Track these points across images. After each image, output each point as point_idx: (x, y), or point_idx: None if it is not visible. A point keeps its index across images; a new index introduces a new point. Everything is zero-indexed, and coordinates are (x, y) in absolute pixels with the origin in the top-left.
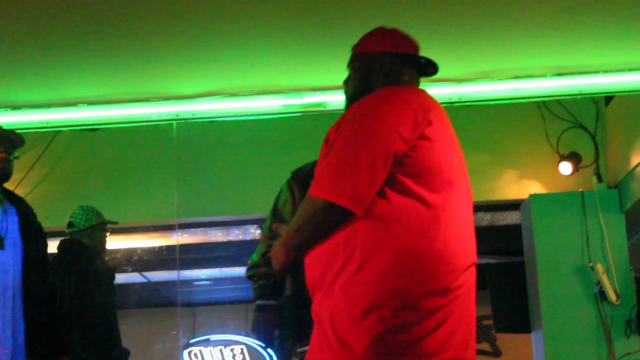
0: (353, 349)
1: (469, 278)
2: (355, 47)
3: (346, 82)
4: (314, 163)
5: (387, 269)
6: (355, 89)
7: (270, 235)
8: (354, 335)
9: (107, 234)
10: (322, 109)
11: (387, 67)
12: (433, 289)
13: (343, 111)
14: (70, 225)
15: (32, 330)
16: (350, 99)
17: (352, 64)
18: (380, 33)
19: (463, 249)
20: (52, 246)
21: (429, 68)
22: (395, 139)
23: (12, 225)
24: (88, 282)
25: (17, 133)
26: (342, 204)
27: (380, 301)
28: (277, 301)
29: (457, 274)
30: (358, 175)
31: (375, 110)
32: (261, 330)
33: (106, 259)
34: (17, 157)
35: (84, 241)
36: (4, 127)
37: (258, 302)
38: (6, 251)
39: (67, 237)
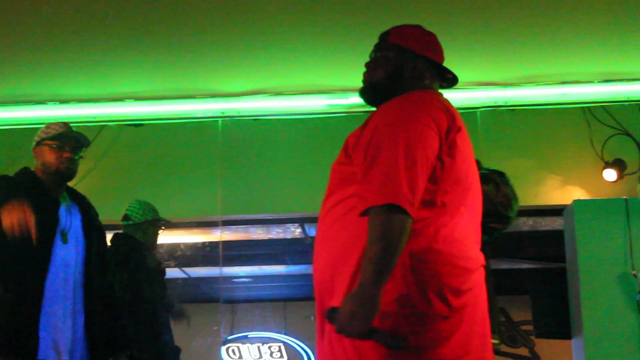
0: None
1: (479, 280)
2: (391, 35)
3: (371, 65)
4: None
5: (402, 275)
6: (381, 79)
7: None
8: (371, 344)
9: (160, 231)
10: (367, 109)
11: (418, 71)
12: (448, 294)
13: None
14: (126, 217)
15: (92, 324)
16: (372, 87)
17: (383, 52)
18: (421, 33)
19: (475, 252)
20: None
21: (443, 84)
22: (437, 144)
23: (75, 221)
24: (140, 278)
25: (83, 134)
26: (402, 205)
27: (394, 309)
28: None
29: (468, 276)
30: (413, 176)
31: (416, 115)
32: None
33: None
34: (81, 157)
35: (137, 236)
36: (55, 121)
37: None
38: (69, 245)
39: (120, 232)
